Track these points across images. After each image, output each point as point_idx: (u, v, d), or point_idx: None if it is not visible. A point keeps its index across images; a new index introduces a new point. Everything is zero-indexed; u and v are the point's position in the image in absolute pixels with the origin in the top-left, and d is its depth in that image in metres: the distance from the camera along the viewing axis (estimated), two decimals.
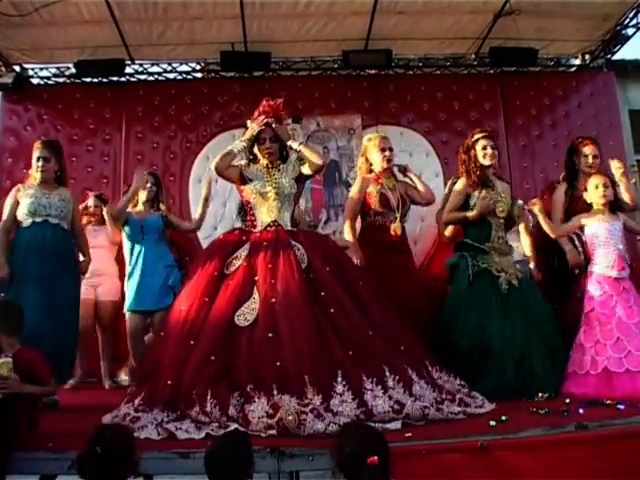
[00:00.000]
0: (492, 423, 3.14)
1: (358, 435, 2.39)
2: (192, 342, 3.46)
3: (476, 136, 4.66)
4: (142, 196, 5.11)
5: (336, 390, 3.19)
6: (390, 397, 3.24)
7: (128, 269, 5.04)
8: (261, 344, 3.34)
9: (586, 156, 4.75)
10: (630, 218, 4.57)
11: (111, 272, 5.56)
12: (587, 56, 7.42)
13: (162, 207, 5.17)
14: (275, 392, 3.14)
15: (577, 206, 4.63)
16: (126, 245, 5.16)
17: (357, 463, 2.21)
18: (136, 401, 3.42)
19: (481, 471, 2.80)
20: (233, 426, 3.13)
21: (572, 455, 2.87)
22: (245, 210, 4.13)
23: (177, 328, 3.59)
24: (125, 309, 4.97)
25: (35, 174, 4.48)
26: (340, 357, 3.33)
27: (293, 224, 4.03)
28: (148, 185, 5.10)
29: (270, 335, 3.35)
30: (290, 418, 3.06)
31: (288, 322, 3.38)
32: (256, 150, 4.03)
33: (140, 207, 5.14)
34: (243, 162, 4.08)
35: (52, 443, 2.94)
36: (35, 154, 4.48)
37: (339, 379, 3.22)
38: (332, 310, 3.51)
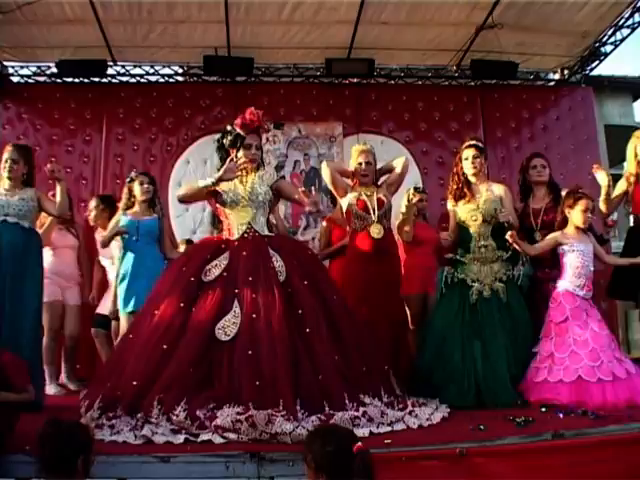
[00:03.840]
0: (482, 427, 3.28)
1: (333, 433, 2.40)
2: (165, 346, 3.44)
3: (462, 147, 4.71)
4: (139, 196, 4.88)
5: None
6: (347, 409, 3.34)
7: (120, 270, 4.80)
8: (241, 361, 3.35)
9: (535, 167, 4.86)
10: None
11: (76, 276, 5.45)
12: (566, 71, 7.57)
13: (157, 208, 5.00)
14: (251, 407, 3.15)
15: (526, 221, 4.72)
16: (115, 245, 4.95)
17: (343, 458, 2.20)
18: (95, 404, 3.39)
19: (460, 478, 2.84)
20: (205, 436, 3.11)
21: (549, 463, 2.92)
22: (219, 220, 4.12)
23: (148, 330, 3.56)
24: (120, 311, 4.78)
25: (3, 174, 4.40)
26: (308, 383, 3.36)
27: (269, 229, 4.05)
28: (145, 185, 4.89)
29: (250, 352, 3.36)
30: (261, 416, 3.09)
31: (268, 341, 3.39)
32: (240, 154, 3.99)
33: (137, 208, 4.90)
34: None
35: (29, 446, 2.90)
36: (4, 156, 4.39)
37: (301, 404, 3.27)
38: (308, 330, 3.53)
